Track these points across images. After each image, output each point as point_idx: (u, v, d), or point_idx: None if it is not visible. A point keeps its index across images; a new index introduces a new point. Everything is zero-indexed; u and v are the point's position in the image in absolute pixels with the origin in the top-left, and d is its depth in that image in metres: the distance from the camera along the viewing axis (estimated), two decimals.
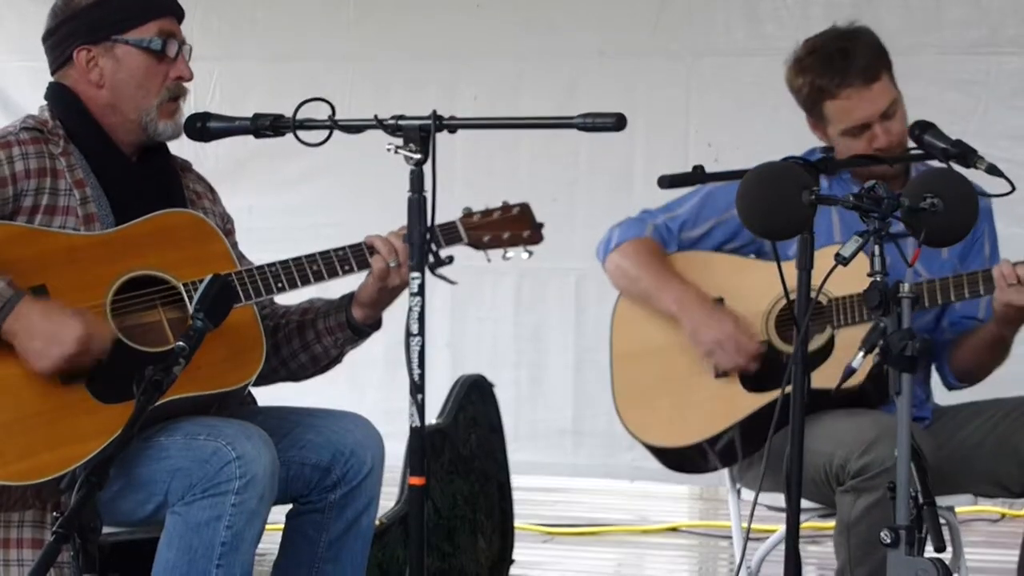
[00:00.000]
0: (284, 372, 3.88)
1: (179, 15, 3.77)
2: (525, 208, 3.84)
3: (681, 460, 4.28)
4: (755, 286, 4.12)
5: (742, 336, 4.11)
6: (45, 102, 3.75)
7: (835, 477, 3.89)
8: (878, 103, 4.11)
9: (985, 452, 4.10)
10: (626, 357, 4.30)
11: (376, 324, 3.81)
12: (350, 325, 3.78)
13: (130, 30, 3.68)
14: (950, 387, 4.27)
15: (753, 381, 4.12)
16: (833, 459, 3.88)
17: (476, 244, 3.78)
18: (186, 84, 3.74)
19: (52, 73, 3.76)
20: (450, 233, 3.75)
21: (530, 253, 3.83)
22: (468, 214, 3.79)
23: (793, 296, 3.44)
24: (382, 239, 3.68)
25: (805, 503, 3.65)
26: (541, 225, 3.83)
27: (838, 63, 4.12)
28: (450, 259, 3.37)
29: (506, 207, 3.83)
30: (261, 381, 3.73)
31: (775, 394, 3.72)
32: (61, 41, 3.72)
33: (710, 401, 4.17)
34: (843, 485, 3.88)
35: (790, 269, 3.43)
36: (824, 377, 3.76)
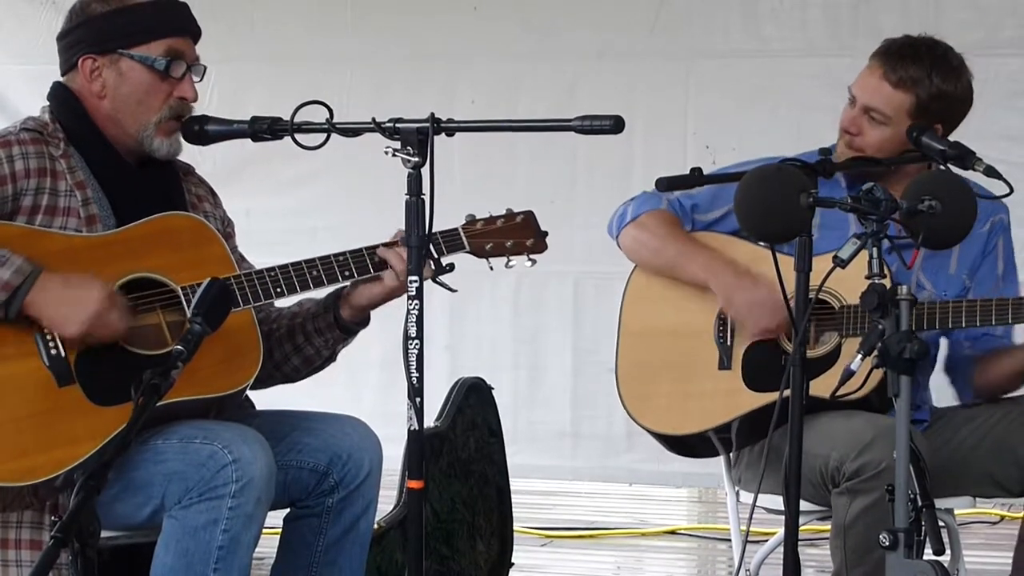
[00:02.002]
0: (279, 376, 3.87)
1: (194, 35, 3.76)
2: (529, 216, 3.82)
3: (675, 445, 4.28)
4: (771, 279, 4.10)
5: (777, 299, 4.08)
6: (47, 102, 3.75)
7: (831, 479, 3.89)
8: (870, 96, 4.10)
9: (983, 453, 4.10)
10: (635, 335, 4.27)
11: (364, 321, 3.80)
12: (338, 325, 3.78)
13: (137, 45, 3.67)
14: (964, 403, 4.24)
15: (756, 379, 4.11)
16: (829, 460, 3.87)
17: (478, 252, 3.75)
18: (191, 104, 3.72)
19: (62, 75, 3.76)
20: (452, 240, 3.72)
21: (533, 262, 3.80)
22: (471, 221, 3.77)
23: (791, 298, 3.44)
24: (396, 255, 3.64)
25: (804, 506, 3.64)
26: (545, 234, 3.80)
27: (896, 48, 4.12)
28: (451, 267, 3.37)
29: (510, 215, 3.80)
30: (257, 385, 3.72)
31: (776, 395, 3.68)
32: (71, 46, 3.72)
33: (711, 394, 4.15)
34: (839, 487, 3.87)
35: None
36: (827, 385, 3.73)
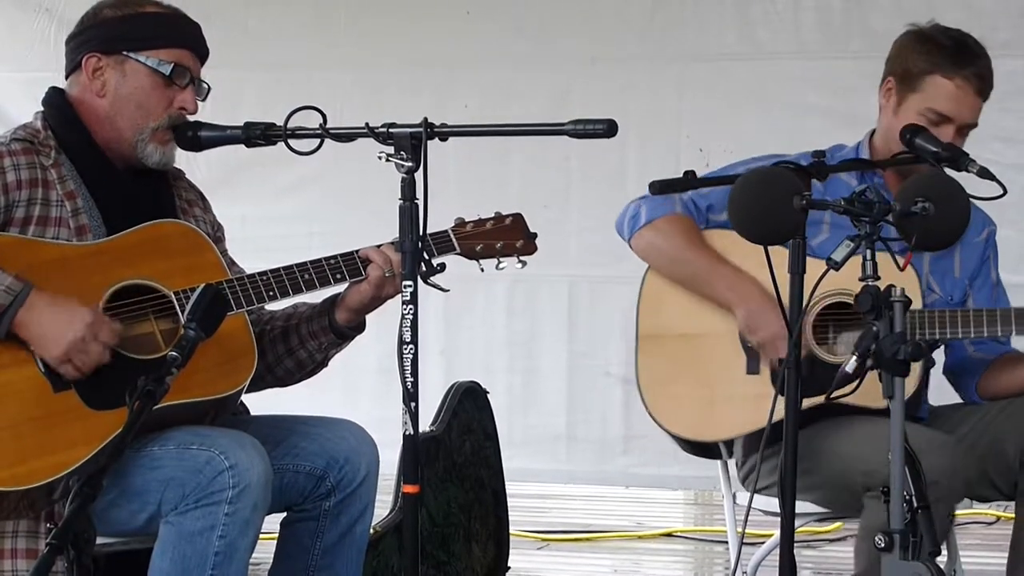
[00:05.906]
0: (270, 378, 3.88)
1: (201, 54, 3.77)
2: (518, 218, 3.83)
3: (700, 449, 4.27)
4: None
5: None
6: (42, 107, 3.75)
7: (867, 479, 3.82)
8: (971, 114, 4.11)
9: (978, 454, 4.09)
10: (653, 339, 4.23)
11: (359, 327, 3.81)
12: (333, 329, 3.79)
13: (145, 51, 3.68)
14: (972, 403, 4.25)
15: None
16: (869, 461, 3.79)
17: (468, 253, 3.77)
18: (189, 117, 3.72)
19: (65, 76, 3.77)
20: (442, 242, 3.74)
21: (523, 263, 3.82)
22: (460, 223, 3.79)
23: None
24: (375, 250, 3.69)
25: (800, 507, 3.63)
26: (534, 235, 3.82)
27: (973, 59, 4.10)
28: (442, 267, 3.37)
29: (499, 217, 3.82)
30: (249, 388, 3.72)
31: (808, 401, 3.60)
32: (78, 47, 3.73)
33: (740, 399, 4.10)
34: (872, 490, 3.81)
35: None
36: (861, 394, 3.44)
